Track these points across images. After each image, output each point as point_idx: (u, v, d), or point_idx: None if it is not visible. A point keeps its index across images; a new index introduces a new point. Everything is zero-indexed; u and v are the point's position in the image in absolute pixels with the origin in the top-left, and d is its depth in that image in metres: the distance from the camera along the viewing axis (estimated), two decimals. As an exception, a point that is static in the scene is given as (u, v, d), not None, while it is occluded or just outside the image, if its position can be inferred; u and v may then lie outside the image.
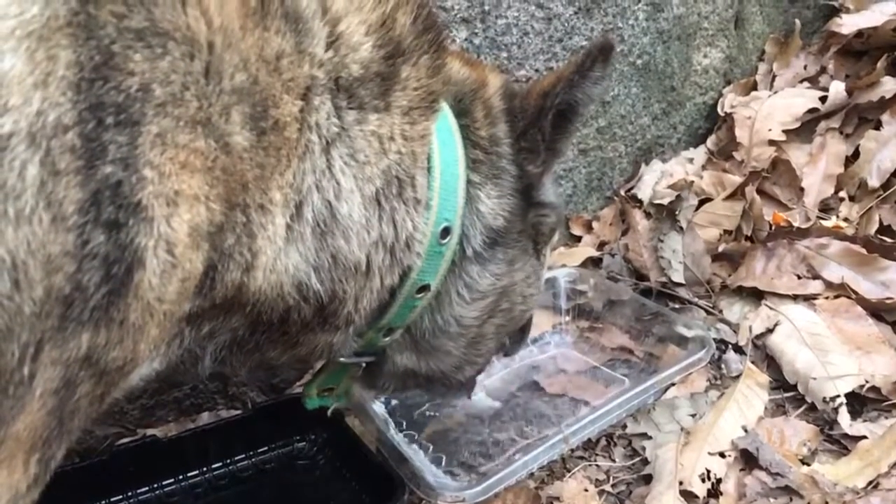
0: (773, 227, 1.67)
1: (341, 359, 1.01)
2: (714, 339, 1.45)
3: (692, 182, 1.80)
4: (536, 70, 1.67)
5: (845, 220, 1.72)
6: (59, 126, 0.54)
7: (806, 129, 1.90)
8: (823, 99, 1.90)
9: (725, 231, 1.72)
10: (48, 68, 0.54)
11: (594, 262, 1.78)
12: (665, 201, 1.73)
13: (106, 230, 0.57)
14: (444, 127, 0.92)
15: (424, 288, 0.94)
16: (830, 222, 1.70)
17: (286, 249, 0.76)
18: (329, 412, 1.16)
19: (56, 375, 0.57)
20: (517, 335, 1.22)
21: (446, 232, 0.92)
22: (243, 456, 1.33)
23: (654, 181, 1.88)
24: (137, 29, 0.60)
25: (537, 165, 1.00)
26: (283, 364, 1.01)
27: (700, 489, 1.18)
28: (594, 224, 1.87)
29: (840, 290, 1.51)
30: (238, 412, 1.43)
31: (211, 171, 0.65)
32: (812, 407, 1.33)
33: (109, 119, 0.57)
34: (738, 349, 1.48)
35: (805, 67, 2.08)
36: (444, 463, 1.29)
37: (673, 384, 1.39)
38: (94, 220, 0.56)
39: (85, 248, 0.56)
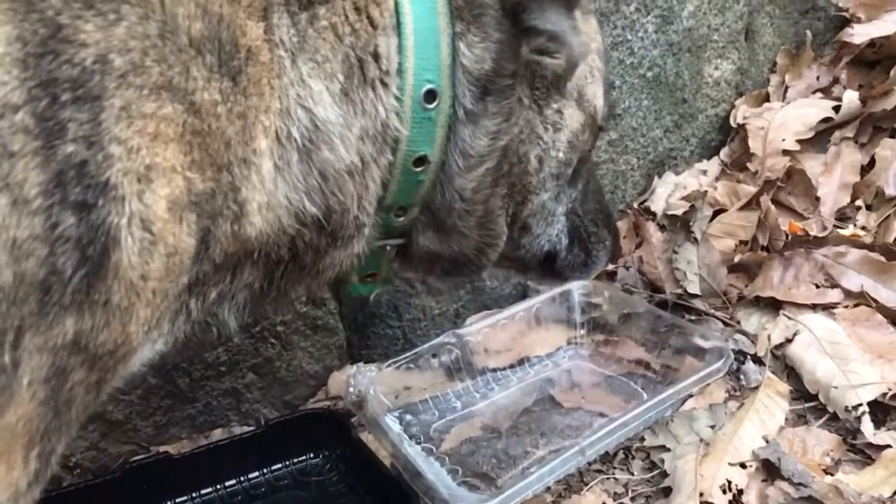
0: (790, 237, 1.65)
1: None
2: (732, 350, 1.42)
3: (706, 192, 1.79)
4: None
5: (863, 228, 1.70)
6: (6, 106, 0.53)
7: (820, 139, 1.89)
8: (837, 109, 1.89)
9: (741, 241, 1.70)
10: None
11: (609, 275, 1.77)
12: (679, 212, 1.72)
13: (75, 212, 0.56)
14: None
15: (422, 160, 0.87)
16: (847, 231, 1.68)
17: (277, 183, 0.74)
18: (371, 298, 1.07)
19: (44, 363, 0.56)
20: (609, 242, 1.18)
21: (431, 95, 0.84)
22: (256, 472, 1.32)
23: (668, 193, 1.87)
24: None
25: None
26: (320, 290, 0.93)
27: (721, 501, 1.16)
28: (608, 237, 1.86)
29: (859, 298, 1.49)
30: (251, 428, 1.42)
31: (183, 137, 0.63)
32: (834, 416, 1.30)
33: (65, 95, 0.55)
34: (757, 360, 1.46)
35: (818, 78, 2.07)
36: (459, 477, 1.28)
37: (691, 395, 1.37)
38: (60, 201, 0.55)
39: (55, 231, 0.55)
